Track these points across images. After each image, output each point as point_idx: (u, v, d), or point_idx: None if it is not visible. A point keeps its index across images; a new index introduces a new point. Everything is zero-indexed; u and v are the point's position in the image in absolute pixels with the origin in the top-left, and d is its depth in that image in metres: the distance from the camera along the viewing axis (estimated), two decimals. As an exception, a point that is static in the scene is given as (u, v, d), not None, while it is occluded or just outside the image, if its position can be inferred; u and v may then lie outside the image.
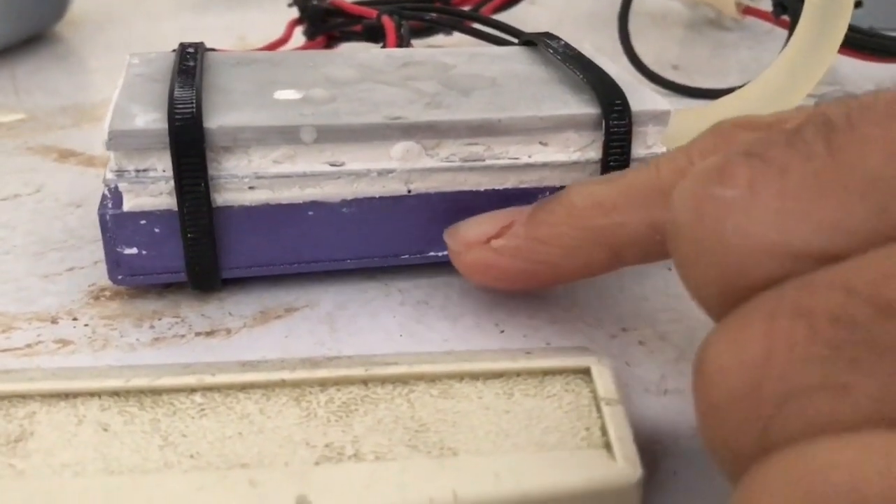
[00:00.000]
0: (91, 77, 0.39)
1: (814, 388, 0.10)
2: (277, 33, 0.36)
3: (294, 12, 0.36)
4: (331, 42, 0.35)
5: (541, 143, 0.21)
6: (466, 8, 0.38)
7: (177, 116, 0.19)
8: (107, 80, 0.38)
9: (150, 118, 0.19)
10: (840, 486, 0.09)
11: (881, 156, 0.11)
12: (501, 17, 0.42)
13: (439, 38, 0.40)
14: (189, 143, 0.19)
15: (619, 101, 0.20)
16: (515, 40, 0.30)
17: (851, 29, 0.34)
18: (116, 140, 0.19)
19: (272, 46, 0.34)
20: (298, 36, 0.37)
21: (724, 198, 0.12)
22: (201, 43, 0.24)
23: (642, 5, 0.50)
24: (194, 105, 0.19)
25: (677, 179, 0.16)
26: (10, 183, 0.27)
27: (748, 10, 0.38)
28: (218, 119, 0.19)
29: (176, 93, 0.20)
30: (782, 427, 0.10)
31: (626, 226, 0.17)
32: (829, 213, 0.11)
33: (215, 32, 0.45)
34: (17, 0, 0.38)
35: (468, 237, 0.19)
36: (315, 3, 0.35)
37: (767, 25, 0.41)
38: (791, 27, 0.34)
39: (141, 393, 0.17)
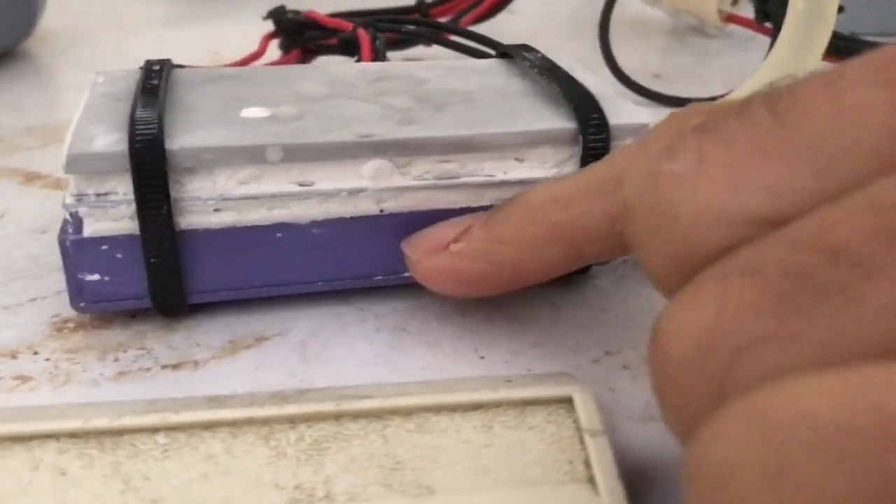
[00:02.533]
0: (61, 95, 0.38)
1: (765, 339, 0.10)
2: (253, 47, 0.35)
3: (269, 25, 0.35)
4: (306, 56, 0.34)
5: (516, 159, 0.20)
6: (445, 20, 0.37)
7: (137, 138, 0.18)
8: (77, 99, 0.37)
9: (111, 140, 0.19)
10: (796, 417, 0.09)
11: (822, 118, 0.11)
12: (481, 27, 0.42)
13: (419, 50, 0.39)
14: (150, 166, 0.18)
15: (596, 115, 0.20)
16: (493, 52, 0.29)
17: (835, 35, 0.34)
18: (75, 163, 0.18)
19: (246, 61, 0.33)
20: (274, 50, 0.36)
21: (673, 171, 0.12)
22: (168, 60, 0.23)
23: (624, 14, 0.49)
24: (156, 126, 0.18)
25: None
26: (-28, 208, 0.26)
27: (730, 18, 0.37)
28: (181, 140, 0.19)
29: (138, 113, 0.19)
30: (736, 379, 0.10)
31: (585, 218, 0.17)
32: (774, 176, 0.11)
33: (189, 47, 0.44)
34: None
35: (426, 244, 0.19)
36: (290, 16, 0.34)
37: (751, 32, 0.40)
38: (774, 34, 0.34)
39: (101, 434, 0.16)
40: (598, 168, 0.17)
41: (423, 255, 0.19)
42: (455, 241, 0.19)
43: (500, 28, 0.45)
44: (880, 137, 0.11)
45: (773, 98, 0.12)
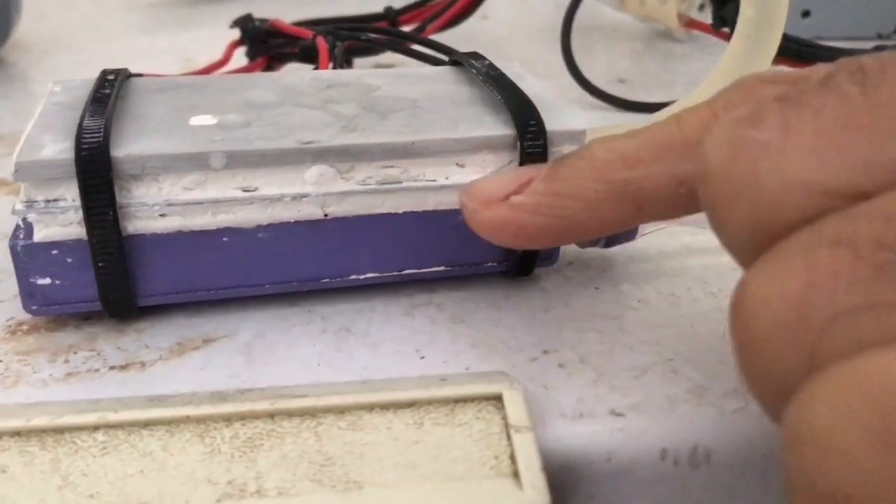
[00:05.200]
0: (33, 103, 0.38)
1: (860, 308, 0.10)
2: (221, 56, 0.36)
3: (236, 33, 0.36)
4: (271, 63, 0.35)
5: (458, 164, 0.21)
6: (412, 27, 0.38)
7: (83, 145, 0.19)
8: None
9: (59, 148, 0.19)
10: None
11: None
12: (451, 32, 0.42)
13: (387, 57, 0.40)
14: (95, 172, 0.19)
15: (533, 122, 0.20)
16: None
17: (794, 41, 0.35)
18: (23, 171, 0.19)
19: (211, 69, 0.33)
20: (241, 57, 0.37)
21: (758, 139, 0.12)
22: (124, 69, 0.24)
23: (593, 19, 0.50)
24: (101, 134, 0.19)
25: (700, 132, 0.16)
26: (-64, 214, 0.27)
27: (690, 23, 0.38)
28: (126, 147, 0.19)
29: (85, 122, 0.19)
30: (830, 346, 0.11)
31: (650, 179, 0.17)
32: (862, 150, 0.11)
33: (163, 54, 0.44)
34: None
35: (486, 194, 0.19)
36: (256, 24, 0.35)
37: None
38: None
39: (42, 432, 0.17)
40: (665, 129, 0.17)
41: (481, 205, 0.19)
42: (515, 192, 0.18)
43: (472, 33, 0.46)
44: None
45: (861, 72, 0.12)
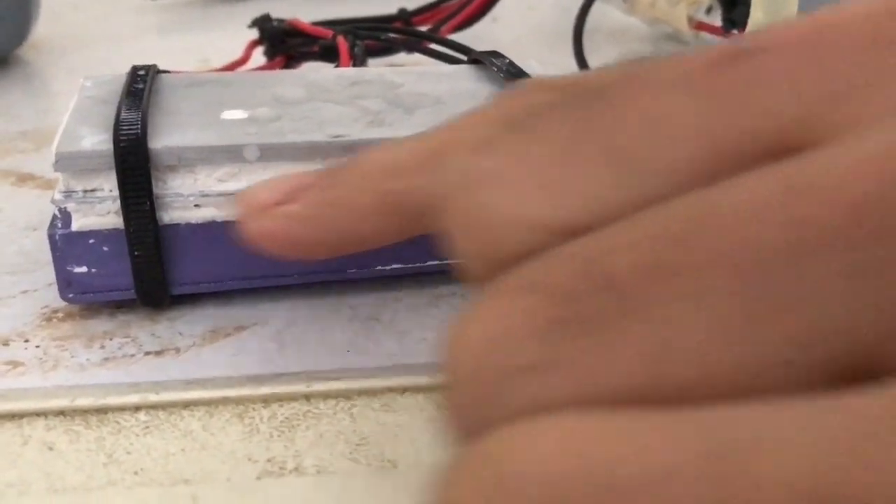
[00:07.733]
0: (53, 101, 0.39)
1: (528, 367, 0.09)
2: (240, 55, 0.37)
3: (255, 33, 0.37)
4: (290, 62, 0.36)
5: (483, 158, 0.21)
6: (425, 28, 0.39)
7: (122, 137, 0.19)
8: (69, 104, 0.38)
9: (97, 140, 0.20)
10: (527, 472, 0.09)
11: (631, 124, 0.11)
12: (463, 34, 0.43)
13: (401, 58, 0.40)
14: (134, 163, 0.19)
15: (557, 117, 0.21)
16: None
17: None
18: (63, 161, 0.19)
19: (230, 67, 0.34)
20: (259, 57, 0.37)
21: (480, 168, 0.11)
22: (154, 65, 0.24)
23: (601, 22, 0.50)
24: (139, 126, 0.20)
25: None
26: (-34, 207, 0.28)
27: (700, 26, 0.38)
28: (163, 139, 0.20)
29: (122, 114, 0.20)
30: (495, 410, 0.10)
31: (415, 192, 0.15)
32: (576, 183, 0.11)
33: (179, 54, 0.45)
34: (-22, 25, 0.38)
35: (257, 201, 0.16)
36: (274, 23, 0.36)
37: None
38: (741, 41, 0.35)
39: (86, 412, 0.17)
40: (439, 136, 0.15)
41: (253, 212, 0.16)
42: (288, 200, 0.16)
43: (483, 35, 0.46)
44: (685, 151, 0.10)
45: (588, 96, 0.11)
